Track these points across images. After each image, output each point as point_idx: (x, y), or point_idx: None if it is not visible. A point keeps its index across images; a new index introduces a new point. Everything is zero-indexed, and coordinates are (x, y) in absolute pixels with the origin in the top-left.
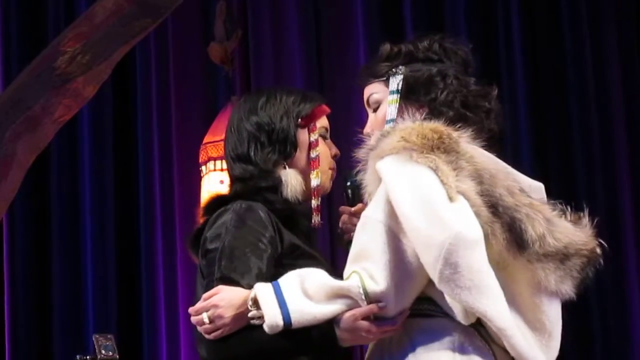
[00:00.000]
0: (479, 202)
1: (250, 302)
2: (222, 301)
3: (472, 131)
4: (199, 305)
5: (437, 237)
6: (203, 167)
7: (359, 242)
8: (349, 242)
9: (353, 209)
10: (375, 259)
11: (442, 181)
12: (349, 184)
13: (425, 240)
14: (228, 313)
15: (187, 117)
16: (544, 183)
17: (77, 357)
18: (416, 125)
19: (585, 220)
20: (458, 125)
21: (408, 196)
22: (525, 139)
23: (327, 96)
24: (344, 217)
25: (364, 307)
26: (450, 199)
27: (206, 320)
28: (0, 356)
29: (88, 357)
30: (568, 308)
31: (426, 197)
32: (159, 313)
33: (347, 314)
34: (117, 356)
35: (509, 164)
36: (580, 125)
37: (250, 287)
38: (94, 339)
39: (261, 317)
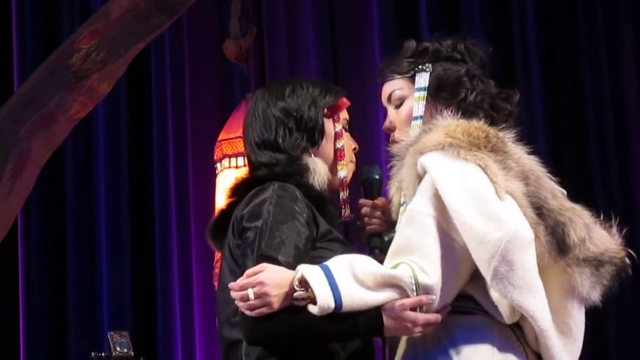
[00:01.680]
0: (525, 203)
1: (296, 282)
2: (268, 279)
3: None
4: (244, 281)
5: (494, 234)
6: (218, 165)
7: (405, 235)
8: (371, 235)
9: (374, 202)
10: (425, 252)
11: (491, 179)
12: (366, 178)
13: (480, 236)
14: (274, 291)
15: (202, 115)
16: (559, 184)
17: (92, 354)
18: (461, 122)
19: (615, 229)
20: (502, 126)
21: (459, 191)
22: (542, 139)
23: None
24: (365, 210)
25: (414, 298)
26: (499, 197)
27: (252, 296)
28: (15, 353)
29: (103, 354)
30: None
31: (478, 193)
32: (173, 310)
33: (397, 303)
34: (132, 353)
35: None
36: (595, 124)
37: (289, 266)
38: (108, 335)
39: (307, 298)
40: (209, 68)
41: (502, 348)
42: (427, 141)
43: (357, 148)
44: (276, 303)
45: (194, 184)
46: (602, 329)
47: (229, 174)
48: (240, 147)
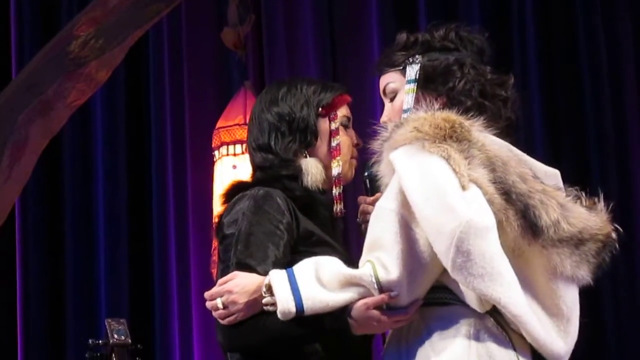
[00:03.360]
0: (491, 190)
1: (264, 289)
2: (236, 287)
3: (489, 120)
4: (214, 290)
5: (447, 225)
6: (216, 152)
7: (373, 232)
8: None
9: (370, 199)
10: (388, 248)
11: (454, 170)
12: (366, 174)
13: (437, 228)
14: (242, 299)
15: (200, 102)
16: (557, 168)
17: (90, 341)
18: (428, 115)
19: (601, 205)
20: (471, 114)
21: (419, 185)
22: (539, 125)
23: (339, 81)
24: (363, 207)
25: (376, 297)
26: (463, 187)
27: (220, 305)
28: (13, 340)
29: (100, 342)
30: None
31: (437, 185)
32: (171, 297)
33: (359, 303)
34: (130, 340)
35: (522, 150)
36: (593, 110)
37: (266, 273)
38: (106, 323)
39: (275, 304)
40: (207, 56)
41: (479, 337)
42: (398, 136)
43: (361, 144)
44: (245, 310)
45: (192, 171)
46: (598, 308)
47: (226, 161)
48: (238, 134)
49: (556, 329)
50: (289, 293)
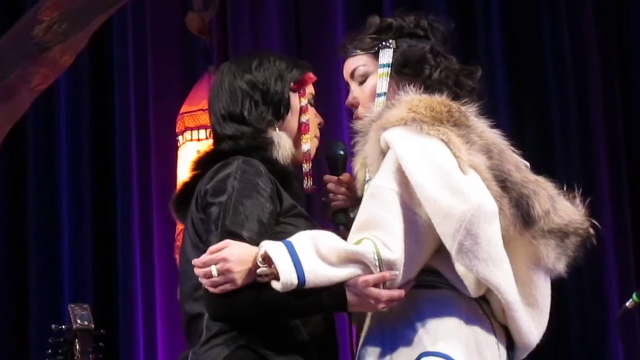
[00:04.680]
0: (489, 177)
1: (259, 259)
2: (231, 256)
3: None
4: (207, 257)
5: (458, 207)
6: (180, 137)
7: (368, 210)
8: (337, 211)
9: (339, 178)
10: (388, 227)
11: (454, 154)
12: (334, 153)
13: (445, 210)
14: (237, 268)
15: (164, 87)
16: (522, 157)
17: (53, 326)
18: (423, 97)
19: (578, 200)
20: (464, 100)
21: (423, 167)
22: (504, 115)
23: None
24: (330, 186)
25: (377, 274)
26: (463, 172)
27: (215, 273)
28: None
29: (64, 327)
30: None
31: (442, 168)
32: (134, 282)
33: (360, 279)
34: (93, 326)
35: None
36: (559, 102)
37: (253, 242)
38: (69, 308)
39: (270, 275)
40: (172, 41)
41: (469, 321)
42: (390, 117)
43: (322, 123)
44: (239, 280)
45: (156, 156)
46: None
47: (190, 147)
48: (202, 119)
49: (531, 319)
50: (291, 265)
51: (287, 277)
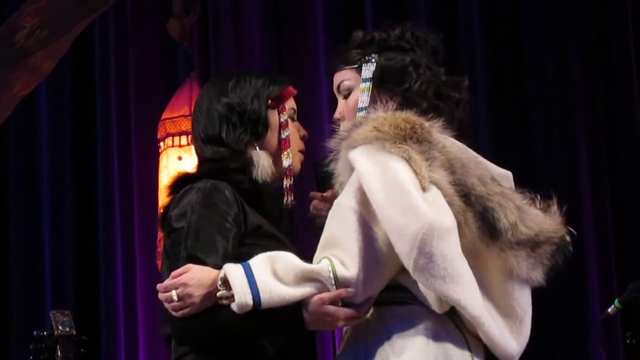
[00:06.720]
0: (451, 192)
1: (219, 282)
2: (191, 280)
3: (444, 121)
4: (168, 282)
5: (411, 226)
6: (161, 143)
7: (330, 229)
8: (320, 227)
9: (323, 194)
10: (346, 245)
11: (414, 171)
12: (320, 170)
13: (399, 229)
14: (197, 292)
15: (146, 93)
16: (504, 167)
17: (35, 332)
18: (388, 115)
19: (555, 208)
20: (430, 115)
21: (381, 185)
22: (486, 124)
23: (285, 73)
24: (315, 203)
25: (332, 292)
26: (423, 188)
27: (175, 297)
28: None
29: (45, 333)
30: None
31: (399, 186)
32: (116, 288)
33: (315, 298)
34: (75, 332)
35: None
36: (541, 110)
37: (216, 266)
38: (51, 314)
39: (230, 297)
40: (153, 46)
41: (437, 337)
42: (357, 135)
43: (307, 135)
44: (199, 303)
45: (137, 162)
46: (544, 306)
47: (172, 153)
48: (183, 125)
49: (509, 329)
50: (246, 286)
51: (242, 298)
